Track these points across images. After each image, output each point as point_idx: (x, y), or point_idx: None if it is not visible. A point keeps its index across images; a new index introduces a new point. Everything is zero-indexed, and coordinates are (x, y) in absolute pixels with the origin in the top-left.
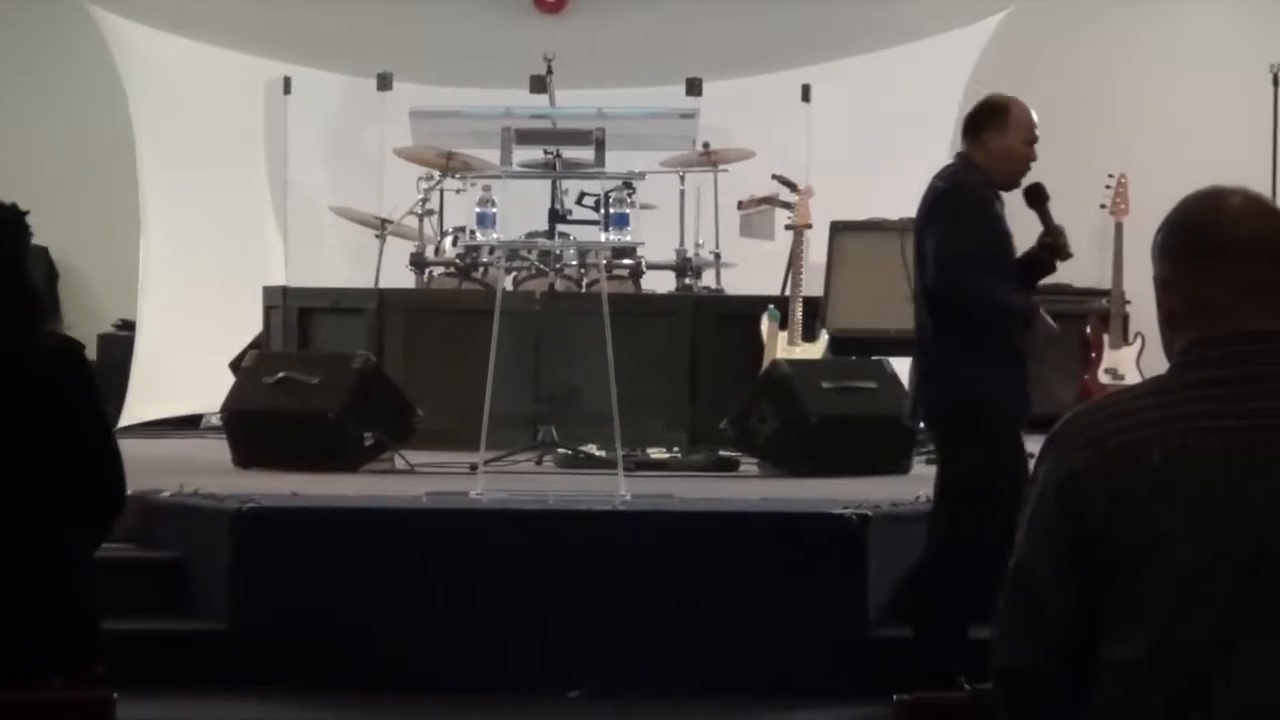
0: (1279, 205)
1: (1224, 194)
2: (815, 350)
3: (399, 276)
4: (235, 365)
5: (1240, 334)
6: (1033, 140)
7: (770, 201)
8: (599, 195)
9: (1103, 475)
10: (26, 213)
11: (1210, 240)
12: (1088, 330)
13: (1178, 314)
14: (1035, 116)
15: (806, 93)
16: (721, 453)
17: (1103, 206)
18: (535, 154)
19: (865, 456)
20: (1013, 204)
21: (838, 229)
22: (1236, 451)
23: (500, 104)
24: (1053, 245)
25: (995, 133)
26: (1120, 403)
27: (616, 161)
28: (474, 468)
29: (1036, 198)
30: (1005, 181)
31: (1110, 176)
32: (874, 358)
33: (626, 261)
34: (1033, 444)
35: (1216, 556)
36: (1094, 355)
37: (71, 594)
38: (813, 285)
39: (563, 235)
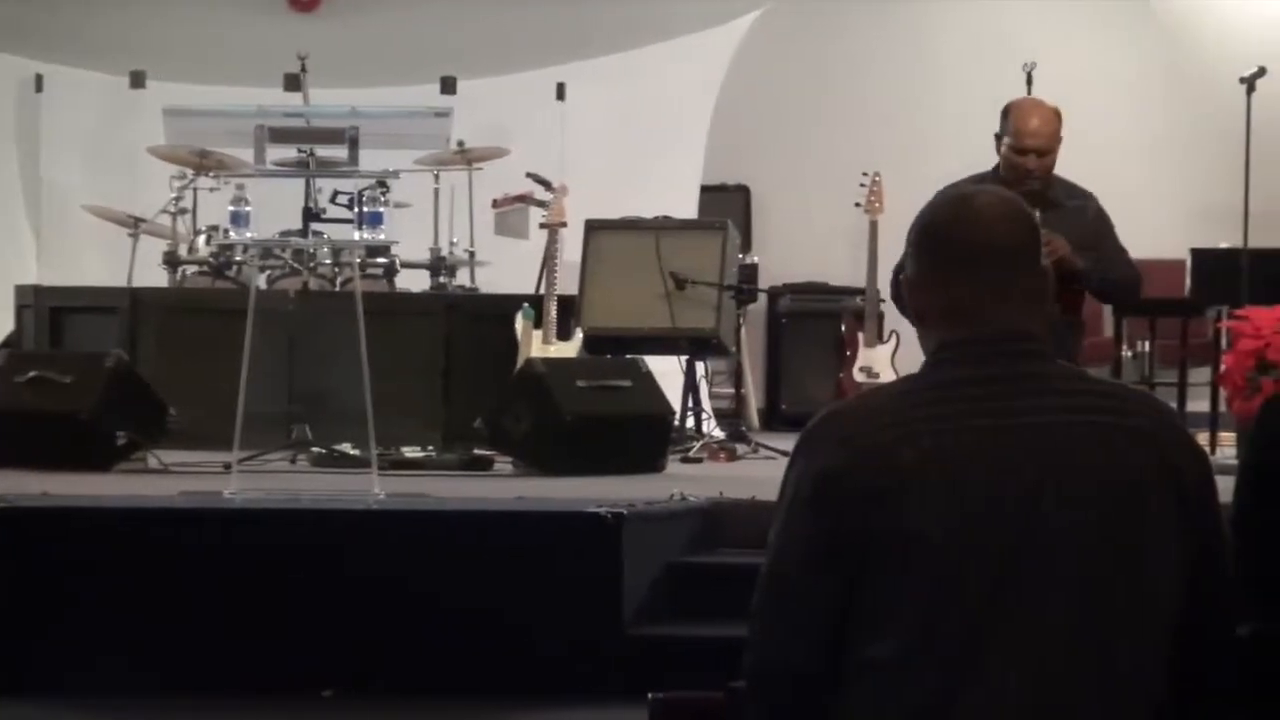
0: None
1: (972, 195)
2: (570, 349)
3: (152, 275)
4: None
5: (990, 334)
6: (1021, 149)
7: (525, 200)
8: (353, 194)
9: (856, 474)
10: None
11: (958, 242)
12: (842, 328)
13: (928, 314)
14: (1035, 124)
15: (561, 91)
16: (476, 451)
17: (857, 205)
18: (289, 152)
19: (621, 455)
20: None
21: (592, 227)
22: (989, 450)
23: (254, 102)
24: None
25: (1000, 139)
26: (874, 401)
27: (371, 160)
28: (228, 467)
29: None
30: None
31: (865, 175)
32: (629, 356)
33: (380, 260)
34: (786, 443)
35: (970, 556)
36: (849, 354)
37: None
38: (568, 284)
39: (317, 234)
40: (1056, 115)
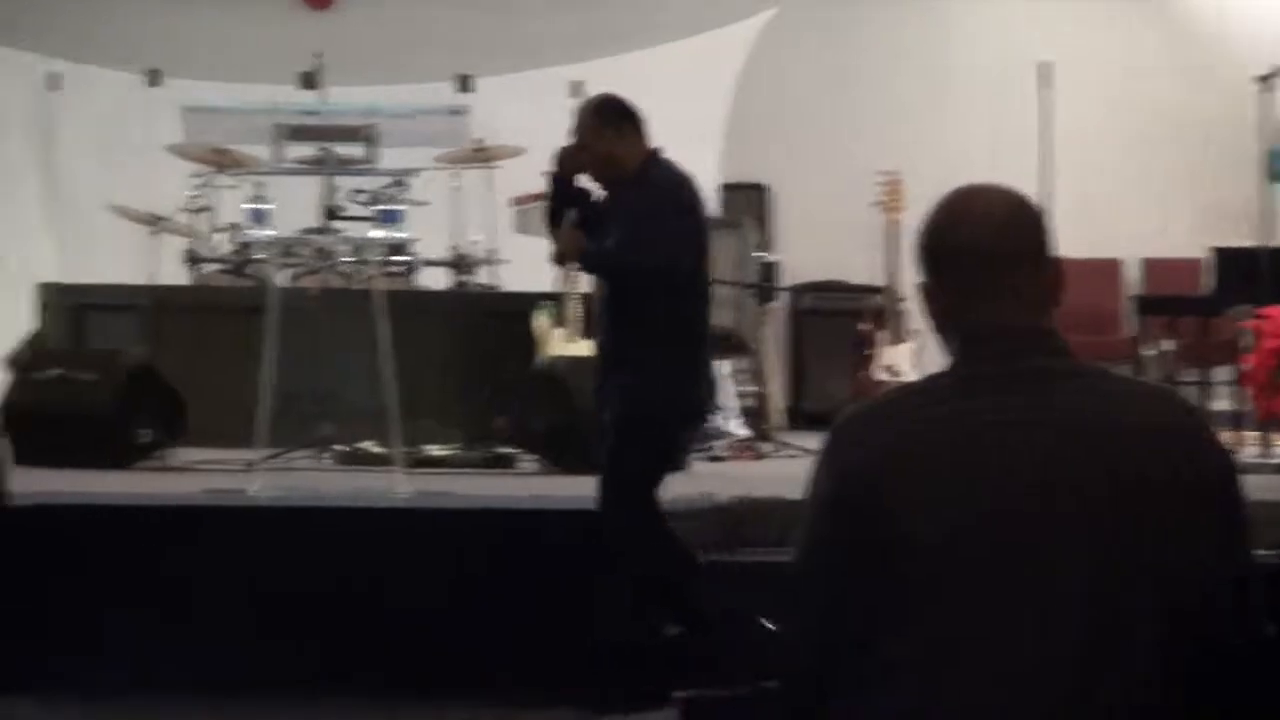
0: (1042, 201)
1: (972, 200)
2: (590, 347)
3: (173, 273)
4: (9, 362)
5: (1004, 334)
6: None
7: (544, 197)
8: (372, 191)
9: (878, 475)
10: None
11: (953, 246)
12: (862, 327)
13: (938, 315)
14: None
15: (578, 89)
16: (497, 450)
17: (875, 204)
18: (308, 150)
19: None
20: None
21: None
22: (1008, 448)
23: (271, 100)
24: None
25: None
26: (896, 401)
27: (390, 158)
28: (251, 465)
29: None
30: None
31: (882, 173)
32: None
33: (401, 258)
34: (810, 441)
35: (989, 555)
36: (870, 352)
37: None
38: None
39: (336, 232)
40: (586, 107)
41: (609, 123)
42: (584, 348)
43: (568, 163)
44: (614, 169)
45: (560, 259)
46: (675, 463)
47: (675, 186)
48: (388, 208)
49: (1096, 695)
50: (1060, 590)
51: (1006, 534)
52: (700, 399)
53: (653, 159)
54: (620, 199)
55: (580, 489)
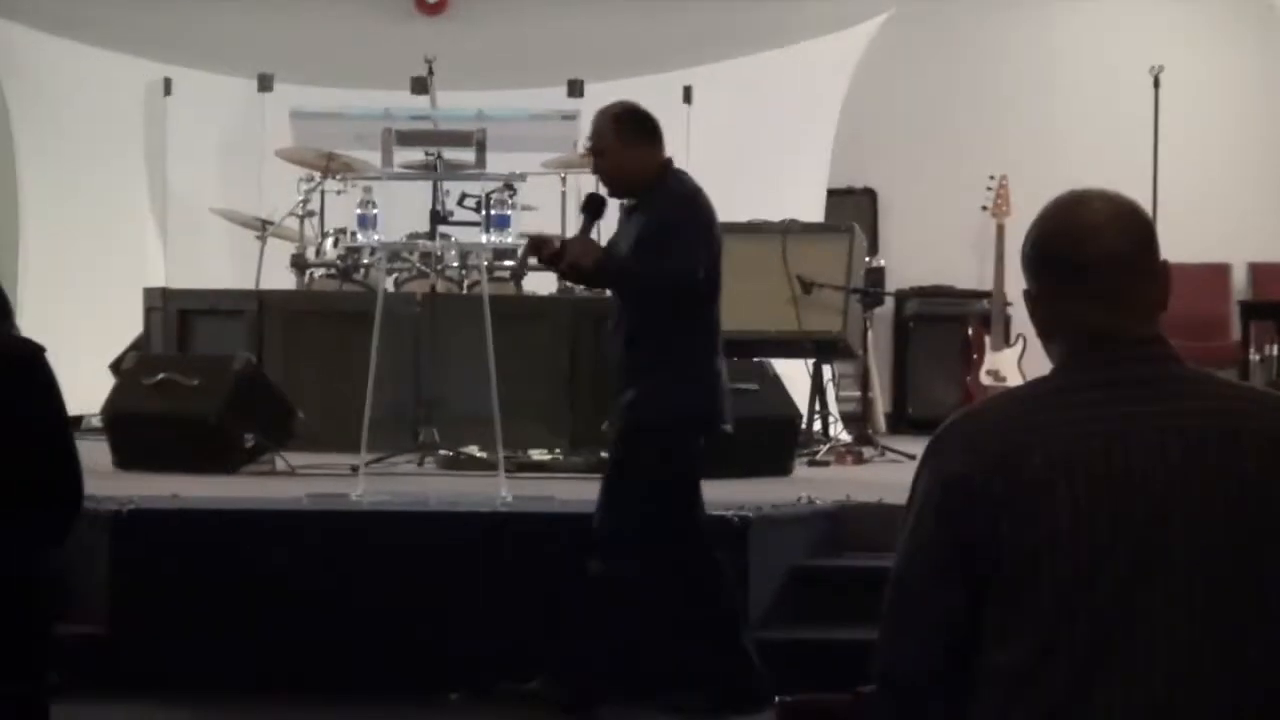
0: (1151, 205)
1: (1076, 205)
2: None
3: (280, 278)
4: (116, 367)
5: (1112, 339)
6: None
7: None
8: (480, 197)
9: (985, 481)
10: None
11: (1068, 257)
12: (969, 332)
13: (1043, 321)
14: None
15: (688, 94)
16: (603, 454)
17: (984, 208)
18: (416, 155)
19: (748, 458)
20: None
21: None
22: (1116, 454)
23: (381, 105)
24: None
25: None
26: (1002, 407)
27: (498, 163)
28: (355, 469)
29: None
30: None
31: (991, 178)
32: (756, 359)
33: (508, 263)
34: (913, 446)
35: (1098, 563)
36: (976, 357)
37: (24, 598)
38: None
39: (444, 237)
40: (604, 114)
41: (626, 131)
42: None
43: (539, 249)
44: (628, 178)
45: (572, 271)
46: (694, 475)
47: (690, 197)
48: (496, 213)
49: (1213, 699)
50: (1174, 594)
51: (1119, 540)
52: (716, 408)
53: (669, 170)
54: (634, 209)
55: None
